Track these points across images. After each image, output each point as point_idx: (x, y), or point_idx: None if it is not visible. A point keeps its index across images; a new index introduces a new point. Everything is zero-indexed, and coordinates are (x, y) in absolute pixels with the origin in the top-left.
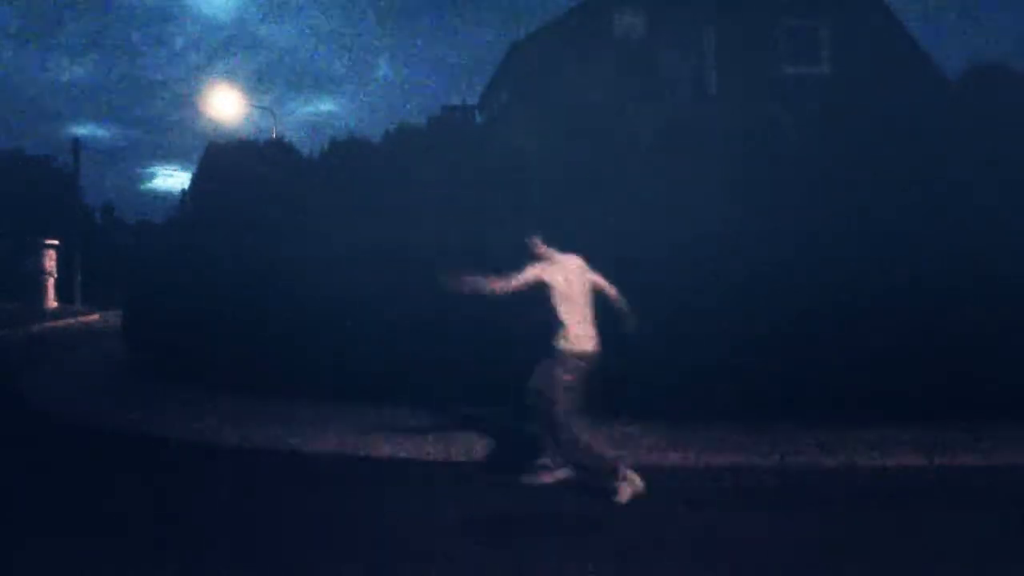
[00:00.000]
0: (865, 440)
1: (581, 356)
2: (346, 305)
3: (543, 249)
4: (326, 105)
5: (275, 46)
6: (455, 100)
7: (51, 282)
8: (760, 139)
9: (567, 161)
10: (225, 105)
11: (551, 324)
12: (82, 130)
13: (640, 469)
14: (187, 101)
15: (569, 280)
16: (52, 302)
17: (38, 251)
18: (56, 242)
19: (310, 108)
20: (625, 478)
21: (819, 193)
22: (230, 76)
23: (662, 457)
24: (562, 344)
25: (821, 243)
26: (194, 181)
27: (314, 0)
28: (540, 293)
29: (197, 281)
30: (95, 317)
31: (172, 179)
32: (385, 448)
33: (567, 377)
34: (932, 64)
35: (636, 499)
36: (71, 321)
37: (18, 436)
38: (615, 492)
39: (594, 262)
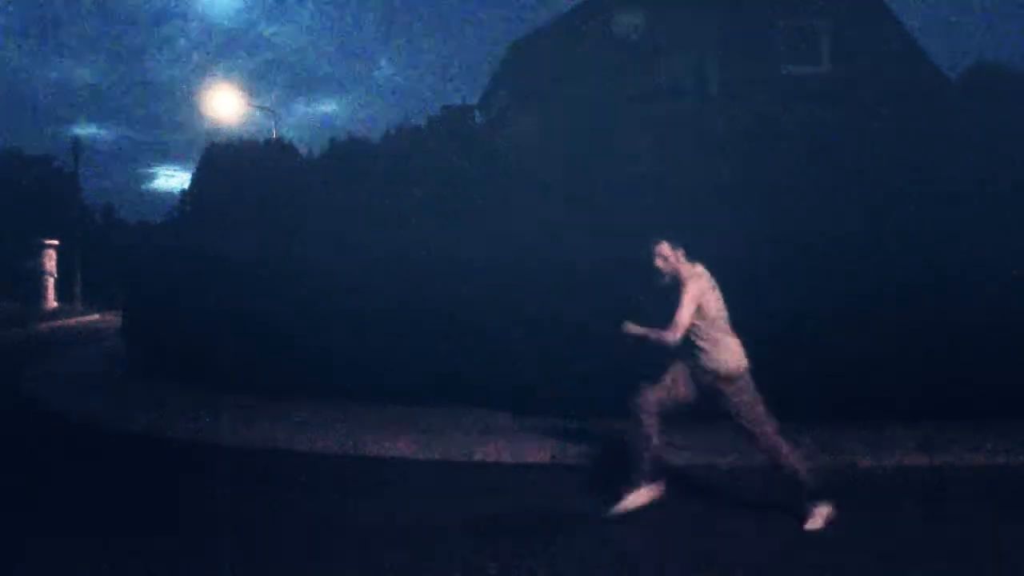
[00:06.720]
0: (865, 440)
1: None
2: (346, 305)
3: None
4: (326, 105)
5: (275, 46)
6: (455, 100)
7: (51, 282)
8: (760, 139)
9: (567, 161)
10: (225, 105)
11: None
12: (82, 130)
13: None
14: (188, 101)
15: None
16: (52, 302)
17: (38, 251)
18: (56, 242)
19: (310, 108)
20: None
21: (819, 193)
22: (231, 76)
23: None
24: None
25: (820, 244)
26: (194, 181)
27: (314, 1)
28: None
29: (196, 281)
30: (95, 317)
31: (172, 179)
32: (383, 448)
33: None
34: (932, 64)
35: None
36: (71, 321)
37: (18, 435)
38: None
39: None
